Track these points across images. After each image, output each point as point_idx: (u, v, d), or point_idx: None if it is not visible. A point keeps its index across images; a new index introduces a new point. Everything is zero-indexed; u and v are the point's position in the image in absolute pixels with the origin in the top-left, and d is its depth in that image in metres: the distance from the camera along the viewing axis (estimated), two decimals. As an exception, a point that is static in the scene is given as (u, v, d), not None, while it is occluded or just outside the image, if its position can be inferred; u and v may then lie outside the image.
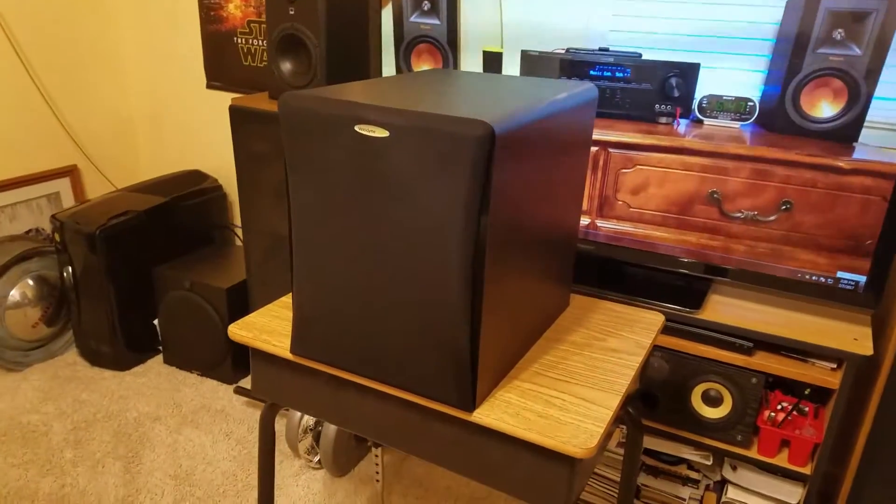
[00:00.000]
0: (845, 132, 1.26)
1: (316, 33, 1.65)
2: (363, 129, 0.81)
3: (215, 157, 2.37)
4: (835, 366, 1.39)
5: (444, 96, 0.88)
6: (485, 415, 0.88)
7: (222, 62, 2.16)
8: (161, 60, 2.31)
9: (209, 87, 2.24)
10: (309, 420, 1.66)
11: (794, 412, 1.45)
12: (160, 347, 2.27)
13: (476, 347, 0.85)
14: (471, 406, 0.88)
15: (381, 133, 0.80)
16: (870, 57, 1.21)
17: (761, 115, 1.32)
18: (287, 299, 1.17)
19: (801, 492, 1.47)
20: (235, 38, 2.10)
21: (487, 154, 0.74)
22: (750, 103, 1.32)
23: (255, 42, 2.07)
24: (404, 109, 0.78)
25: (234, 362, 2.11)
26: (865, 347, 1.33)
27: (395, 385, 0.92)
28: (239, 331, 1.06)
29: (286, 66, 1.74)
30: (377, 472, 1.58)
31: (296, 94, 0.85)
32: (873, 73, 1.21)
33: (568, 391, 0.94)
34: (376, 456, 1.55)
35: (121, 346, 2.15)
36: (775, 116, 1.30)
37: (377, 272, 0.86)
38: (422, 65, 1.62)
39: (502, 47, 1.49)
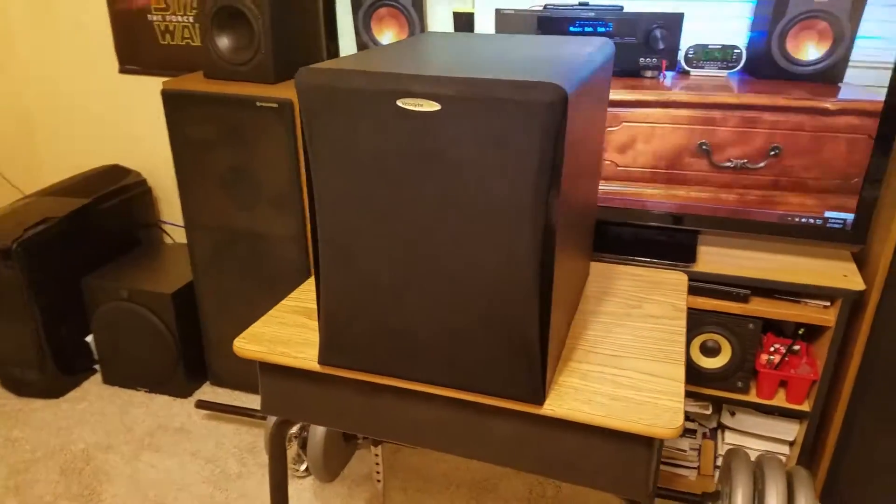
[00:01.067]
0: (831, 73, 1.27)
1: (257, 3, 1.49)
2: (407, 104, 0.71)
3: (137, 148, 2.15)
4: (828, 303, 1.42)
5: (482, 59, 0.79)
6: (556, 406, 0.82)
7: (136, 43, 1.95)
8: (62, 46, 2.05)
9: (123, 71, 2.01)
10: (293, 426, 1.54)
11: (789, 353, 1.48)
12: (97, 366, 2.06)
13: (546, 335, 0.78)
14: (542, 398, 0.81)
15: (430, 107, 0.70)
16: (854, -5, 1.20)
17: (749, 61, 1.30)
18: (291, 302, 1.06)
19: (797, 429, 1.52)
20: (149, 16, 1.89)
21: (559, 122, 0.67)
22: (737, 51, 1.30)
23: (174, 18, 1.87)
24: (457, 77, 0.69)
25: (187, 374, 1.94)
26: (856, 283, 1.36)
27: (449, 385, 0.84)
28: (247, 345, 0.94)
29: (223, 43, 1.57)
30: (377, 472, 1.49)
31: (316, 70, 0.73)
32: (856, 13, 1.21)
33: (629, 367, 0.89)
34: (376, 455, 1.46)
35: (51, 371, 1.93)
36: (762, 62, 1.29)
37: (426, 265, 0.77)
38: (384, 31, 1.50)
39: (473, 7, 1.40)
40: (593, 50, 0.90)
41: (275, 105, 1.57)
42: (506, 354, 0.80)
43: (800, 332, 1.48)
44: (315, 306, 1.03)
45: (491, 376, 0.81)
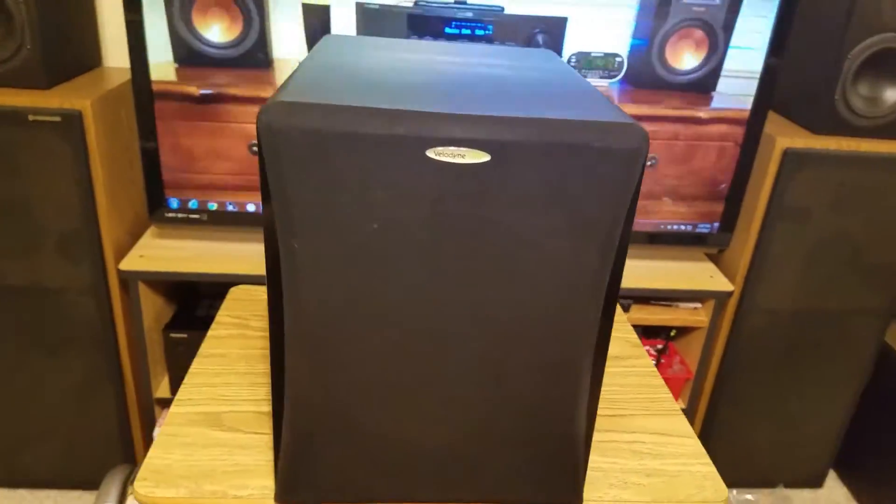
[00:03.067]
0: (705, 82, 1.30)
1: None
2: (442, 155, 0.53)
3: None
4: (698, 305, 1.49)
5: (482, 86, 0.64)
6: (595, 499, 0.70)
7: None
8: None
9: None
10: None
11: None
12: None
13: (592, 426, 0.66)
14: (581, 497, 0.69)
15: (475, 157, 0.54)
16: (727, 6, 1.24)
17: (630, 70, 1.28)
18: (180, 409, 0.78)
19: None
20: None
21: (641, 170, 0.56)
22: (618, 59, 1.28)
23: None
24: (516, 117, 0.53)
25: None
26: (724, 284, 1.44)
27: (467, 500, 0.67)
28: (156, 490, 0.67)
29: (-25, 36, 1.16)
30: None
31: (296, 106, 0.52)
32: (730, 23, 1.25)
33: (636, 428, 0.81)
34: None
35: None
36: (642, 71, 1.29)
37: (452, 359, 0.61)
38: (211, 26, 1.22)
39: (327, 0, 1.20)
40: (564, 67, 0.78)
41: (56, 118, 1.21)
42: (544, 455, 0.66)
43: (672, 333, 1.53)
44: (218, 409, 0.79)
45: (521, 482, 0.67)
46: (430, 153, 0.53)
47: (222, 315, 0.97)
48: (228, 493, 0.67)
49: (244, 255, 1.36)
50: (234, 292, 1.03)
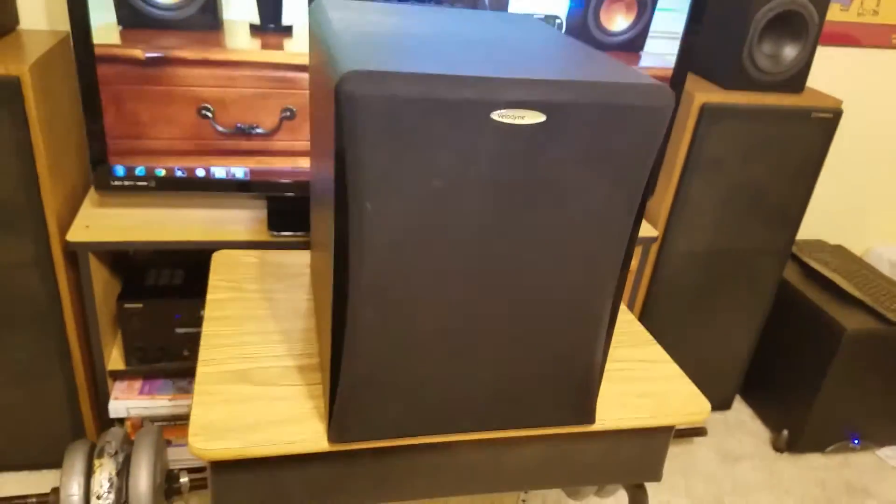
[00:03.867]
0: (635, 43, 1.38)
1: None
2: (506, 117, 0.60)
3: None
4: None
5: (504, 50, 0.69)
6: (605, 418, 0.81)
7: None
8: None
9: None
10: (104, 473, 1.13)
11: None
12: None
13: (606, 357, 0.76)
14: (594, 417, 0.79)
15: (533, 118, 0.60)
16: (655, -28, 1.34)
17: (568, 31, 1.34)
18: (208, 368, 0.81)
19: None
20: None
21: (668, 129, 0.65)
22: (558, 20, 1.33)
23: None
24: (570, 80, 0.60)
25: None
26: (650, 230, 1.56)
27: (500, 428, 0.76)
28: (210, 444, 0.70)
29: None
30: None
31: (378, 75, 0.56)
32: (655, -13, 1.35)
33: (619, 357, 0.92)
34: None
35: None
36: (580, 33, 1.35)
37: (499, 310, 0.68)
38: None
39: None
40: (560, 33, 0.86)
41: (-13, 84, 1.15)
42: (567, 384, 0.75)
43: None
44: (244, 366, 0.82)
45: (546, 408, 0.76)
46: (495, 115, 0.58)
47: (215, 279, 0.98)
48: (280, 440, 0.71)
49: (195, 221, 1.34)
50: (218, 257, 1.05)
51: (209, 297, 0.93)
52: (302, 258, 1.06)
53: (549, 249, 0.65)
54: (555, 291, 0.68)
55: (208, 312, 0.90)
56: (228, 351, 0.83)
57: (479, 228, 0.63)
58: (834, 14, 1.79)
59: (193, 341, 1.37)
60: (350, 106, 0.55)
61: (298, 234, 1.32)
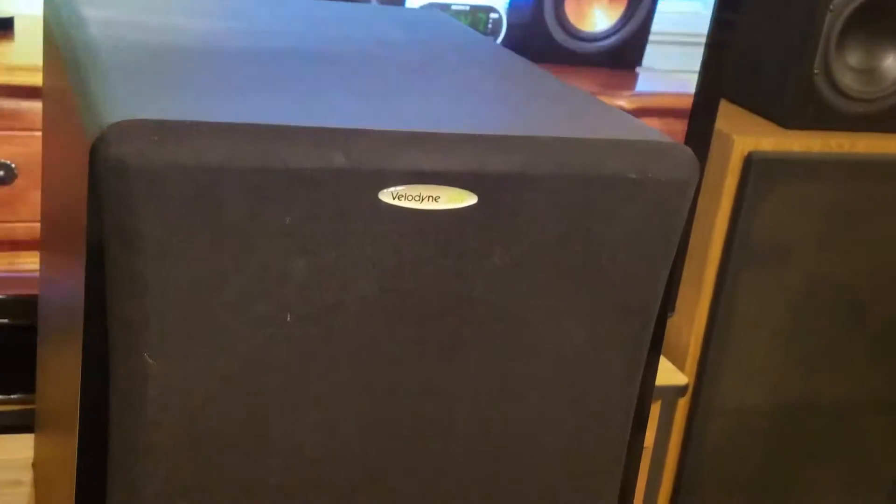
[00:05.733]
0: (626, 52, 1.35)
1: None
2: (406, 198, 0.56)
3: None
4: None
5: (446, 78, 0.74)
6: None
7: None
8: None
9: None
10: None
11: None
12: None
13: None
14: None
15: (456, 200, 0.57)
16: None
17: (511, 33, 1.31)
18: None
19: None
20: None
21: (689, 213, 0.63)
22: (493, 15, 1.30)
23: None
24: (509, 136, 0.60)
25: None
26: (672, 373, 1.46)
27: None
28: None
29: None
30: None
31: (167, 129, 0.53)
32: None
33: None
34: None
35: None
36: (530, 35, 1.31)
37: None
38: None
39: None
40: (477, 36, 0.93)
41: None
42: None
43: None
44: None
45: None
46: (385, 195, 0.55)
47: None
48: None
49: None
50: None
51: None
52: (17, 449, 1.01)
53: (497, 428, 0.64)
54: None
55: None
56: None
57: (362, 395, 0.61)
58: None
59: None
60: (118, 181, 0.51)
61: (12, 397, 1.25)
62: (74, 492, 0.59)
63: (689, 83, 1.34)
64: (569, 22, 1.29)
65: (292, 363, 0.57)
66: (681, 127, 1.34)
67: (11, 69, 1.20)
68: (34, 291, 1.05)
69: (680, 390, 1.44)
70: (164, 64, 0.66)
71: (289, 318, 0.56)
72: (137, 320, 0.53)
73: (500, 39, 1.30)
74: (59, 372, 0.74)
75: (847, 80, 1.38)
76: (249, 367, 0.56)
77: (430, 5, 1.28)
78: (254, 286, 0.55)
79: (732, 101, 1.53)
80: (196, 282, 0.53)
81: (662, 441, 1.50)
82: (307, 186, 0.53)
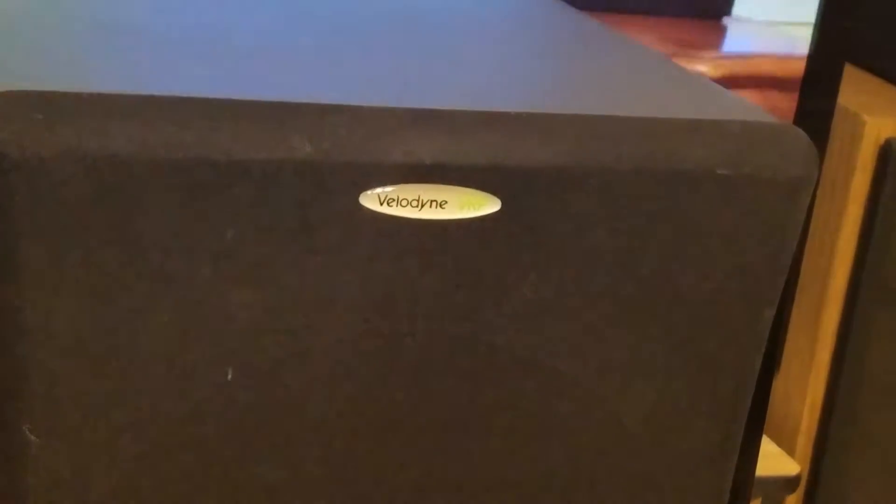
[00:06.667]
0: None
1: None
2: (397, 204, 0.57)
3: None
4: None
5: (460, 37, 0.78)
6: None
7: None
8: None
9: None
10: None
11: None
12: None
13: None
14: None
15: (473, 207, 0.58)
16: None
17: None
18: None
19: None
20: None
21: (804, 222, 0.65)
22: None
23: None
24: (546, 114, 0.59)
25: None
26: (779, 461, 1.44)
27: None
28: None
29: None
30: None
31: (52, 101, 0.52)
32: None
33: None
34: None
35: None
36: None
37: None
38: None
39: None
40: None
41: None
42: None
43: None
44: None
45: None
46: (369, 199, 0.55)
47: None
48: None
49: None
50: None
51: None
52: None
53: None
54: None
55: None
56: None
57: (335, 487, 0.61)
58: None
59: None
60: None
61: None
62: None
63: (799, 41, 1.35)
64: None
65: (233, 440, 0.58)
66: (788, 103, 1.35)
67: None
68: None
69: (789, 483, 1.44)
70: (61, 27, 0.67)
71: (229, 376, 0.56)
72: (12, 378, 0.53)
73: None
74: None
75: None
76: (172, 447, 0.57)
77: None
78: (180, 330, 0.55)
79: (862, 66, 1.53)
80: (97, 324, 0.53)
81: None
82: (258, 186, 0.53)
